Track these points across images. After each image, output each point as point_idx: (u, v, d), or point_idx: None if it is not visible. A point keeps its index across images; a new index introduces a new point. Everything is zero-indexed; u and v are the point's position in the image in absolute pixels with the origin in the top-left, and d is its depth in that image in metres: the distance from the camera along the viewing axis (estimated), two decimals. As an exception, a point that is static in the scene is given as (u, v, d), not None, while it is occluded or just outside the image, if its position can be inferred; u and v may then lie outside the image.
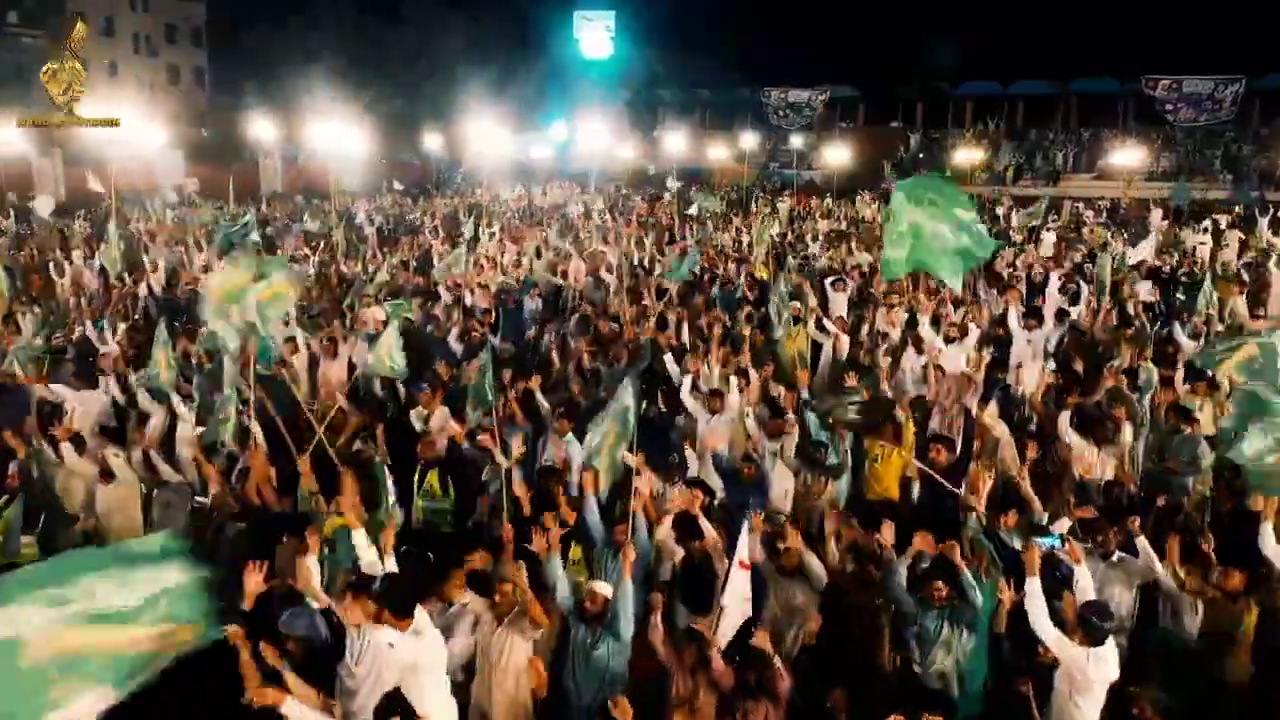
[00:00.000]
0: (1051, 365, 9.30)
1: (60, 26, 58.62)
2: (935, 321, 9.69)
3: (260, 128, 42.31)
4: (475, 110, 43.91)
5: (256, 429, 7.90)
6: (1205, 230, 25.46)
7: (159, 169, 46.78)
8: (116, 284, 15.93)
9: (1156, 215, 30.80)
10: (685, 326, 10.12)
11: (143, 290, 15.51)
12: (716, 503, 6.50)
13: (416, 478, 6.87)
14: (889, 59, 55.82)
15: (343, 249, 20.51)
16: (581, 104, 51.91)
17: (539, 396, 7.89)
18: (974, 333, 9.28)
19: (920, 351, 9.06)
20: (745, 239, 24.67)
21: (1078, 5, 51.83)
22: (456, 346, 10.42)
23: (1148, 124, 47.02)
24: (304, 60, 55.35)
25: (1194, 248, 23.70)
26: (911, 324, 9.83)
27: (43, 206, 29.36)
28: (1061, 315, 10.21)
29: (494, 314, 11.89)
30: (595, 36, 59.89)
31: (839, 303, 13.44)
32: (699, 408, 7.64)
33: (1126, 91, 47.57)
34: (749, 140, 46.76)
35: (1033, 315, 9.84)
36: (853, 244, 19.33)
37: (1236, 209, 32.18)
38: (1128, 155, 41.52)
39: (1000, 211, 34.28)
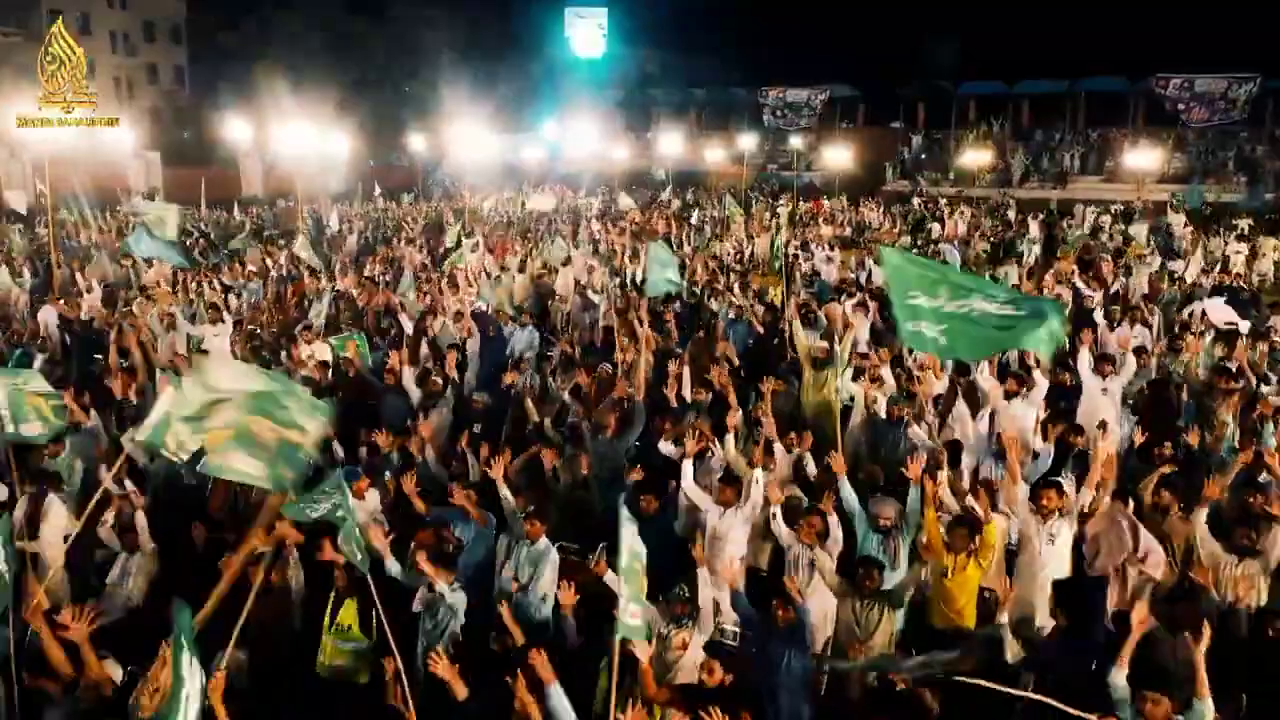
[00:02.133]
0: (1125, 428, 7.61)
1: (35, 25, 57.11)
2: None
3: (238, 128, 40.49)
4: (462, 110, 42.19)
5: (142, 523, 6.18)
6: (1239, 237, 23.89)
7: (133, 172, 45.15)
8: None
9: (1179, 221, 29.19)
10: (686, 371, 8.34)
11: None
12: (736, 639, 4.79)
13: (329, 608, 5.15)
14: (889, 57, 54.37)
15: (314, 262, 18.67)
16: (573, 104, 50.26)
17: (503, 490, 6.12)
18: (1041, 383, 7.51)
19: (975, 408, 7.34)
20: (748, 249, 23.01)
21: (1085, 1, 50.38)
22: (415, 393, 8.67)
23: (1158, 124, 45.46)
24: (288, 59, 53.71)
25: (1225, 258, 22.05)
26: (961, 369, 8.05)
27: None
28: (1139, 354, 8.42)
29: (463, 349, 10.11)
30: (587, 34, 58.31)
31: (859, 330, 11.72)
32: (706, 499, 5.93)
33: (1136, 90, 45.96)
34: (746, 141, 45.10)
35: (1107, 358, 8.09)
36: (865, 255, 17.59)
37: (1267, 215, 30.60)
38: (1138, 157, 39.96)
39: (1011, 215, 32.67)
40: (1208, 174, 42.54)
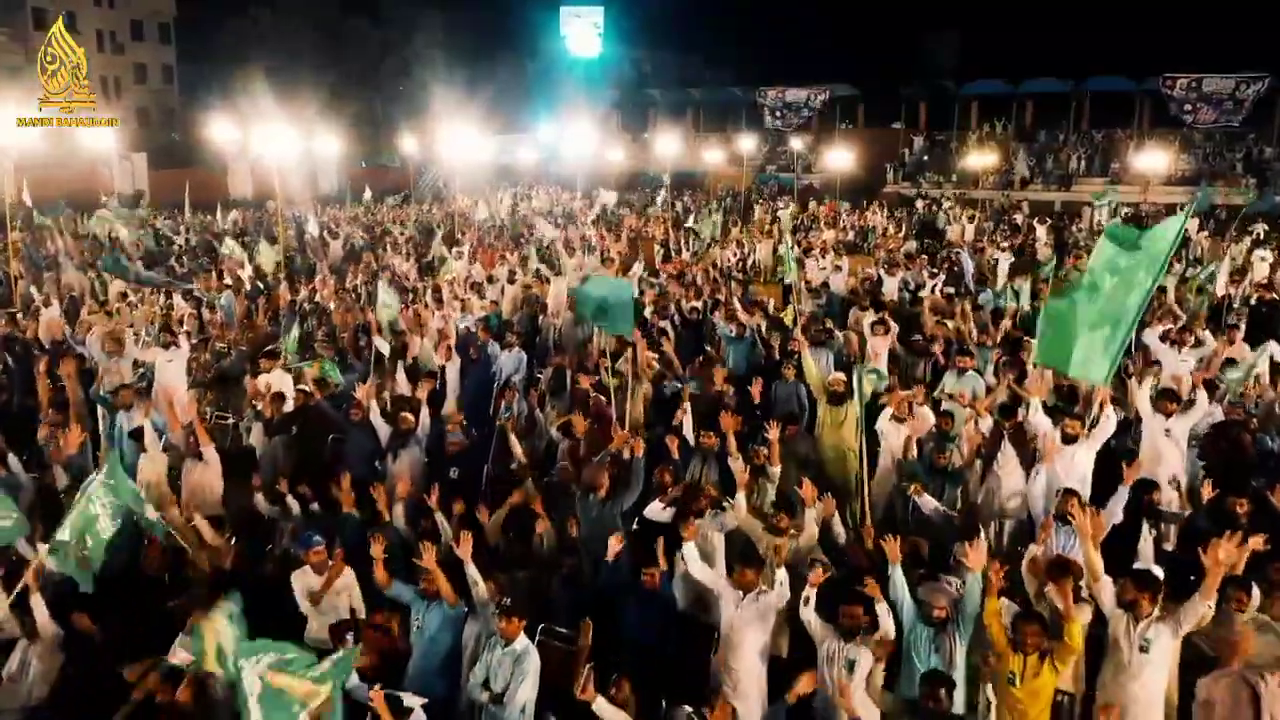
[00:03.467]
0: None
1: (19, 24, 56.06)
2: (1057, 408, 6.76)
3: (226, 129, 39.44)
4: (456, 111, 41.26)
5: (39, 605, 5.19)
6: (1256, 242, 22.99)
7: (118, 174, 44.24)
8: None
9: (1193, 226, 28.25)
10: (688, 412, 7.32)
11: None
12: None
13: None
14: (890, 56, 53.53)
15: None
16: (568, 104, 49.31)
17: (471, 572, 5.12)
18: (1108, 421, 6.43)
19: (1025, 453, 6.34)
20: (749, 256, 22.03)
21: None
22: (384, 430, 7.66)
23: (1165, 125, 44.60)
24: (279, 58, 52.83)
25: (1250, 264, 21.11)
26: (1006, 408, 6.98)
27: None
28: (1209, 389, 7.35)
29: (442, 376, 9.12)
30: (583, 33, 57.43)
31: (877, 351, 10.74)
32: (723, 585, 4.95)
33: (1142, 91, 45.10)
34: (745, 142, 44.16)
35: (1170, 393, 7.06)
36: (880, 267, 16.55)
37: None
38: (1145, 158, 39.09)
39: (1019, 219, 31.70)
40: (1215, 176, 41.66)
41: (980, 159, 42.33)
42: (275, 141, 22.10)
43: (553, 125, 48.91)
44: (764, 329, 11.93)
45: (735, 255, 21.40)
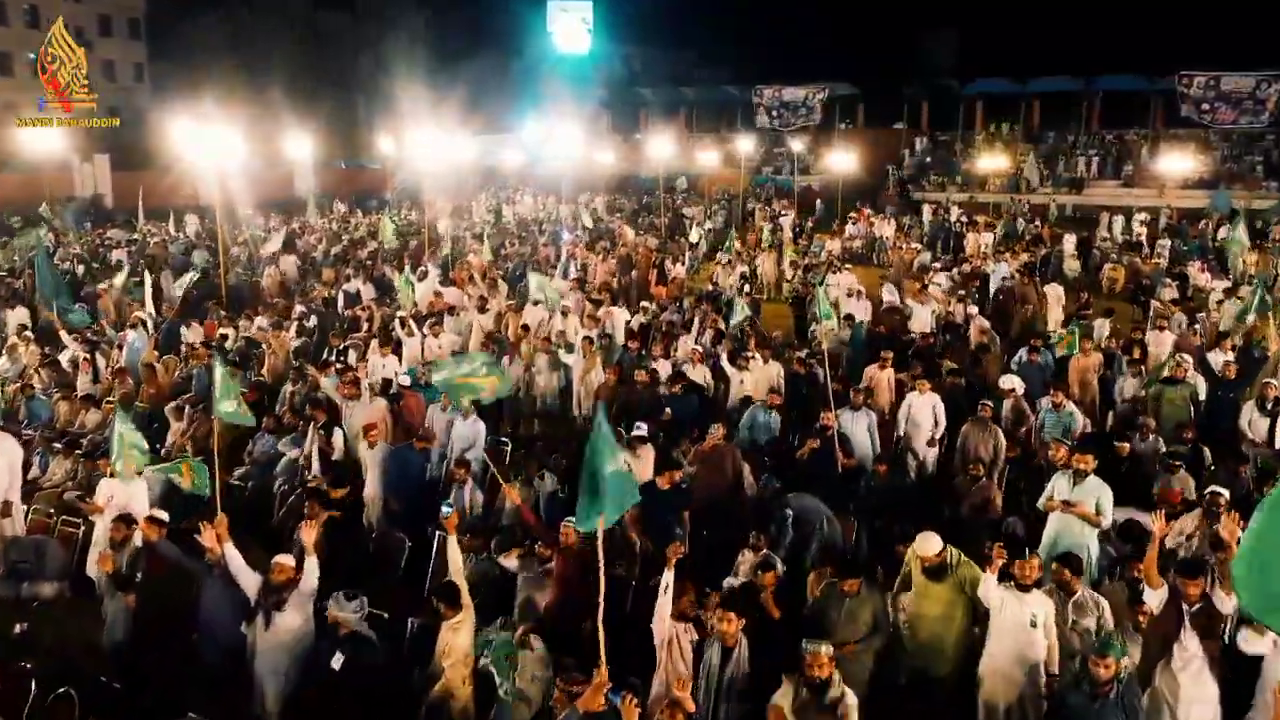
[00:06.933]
0: None
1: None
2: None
3: (190, 130, 36.81)
4: (437, 110, 38.93)
5: None
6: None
7: (80, 176, 42.10)
8: None
9: (1222, 233, 26.20)
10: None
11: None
12: None
13: None
14: (891, 54, 51.56)
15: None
16: (555, 104, 47.16)
17: None
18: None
19: (1214, 647, 4.09)
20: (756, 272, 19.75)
21: (1100, -6, 47.67)
22: (251, 584, 5.29)
23: (1180, 125, 42.60)
24: (254, 56, 50.70)
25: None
26: (1191, 565, 4.35)
27: None
28: None
29: (357, 478, 6.79)
30: (571, 29, 55.44)
31: (922, 414, 8.56)
32: None
33: (1156, 89, 43.07)
34: (741, 144, 41.97)
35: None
36: (907, 294, 14.27)
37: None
38: (1164, 160, 37.09)
39: (1031, 226, 29.50)
40: (1234, 178, 39.72)
41: (991, 161, 40.23)
42: (221, 143, 19.71)
43: (539, 126, 46.80)
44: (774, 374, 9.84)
45: (741, 273, 18.98)
